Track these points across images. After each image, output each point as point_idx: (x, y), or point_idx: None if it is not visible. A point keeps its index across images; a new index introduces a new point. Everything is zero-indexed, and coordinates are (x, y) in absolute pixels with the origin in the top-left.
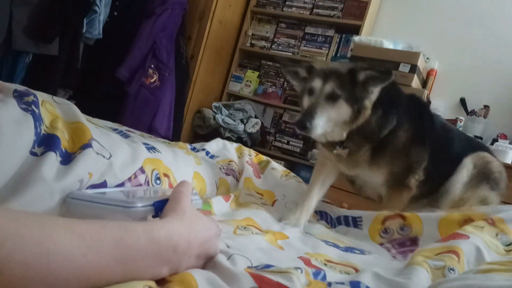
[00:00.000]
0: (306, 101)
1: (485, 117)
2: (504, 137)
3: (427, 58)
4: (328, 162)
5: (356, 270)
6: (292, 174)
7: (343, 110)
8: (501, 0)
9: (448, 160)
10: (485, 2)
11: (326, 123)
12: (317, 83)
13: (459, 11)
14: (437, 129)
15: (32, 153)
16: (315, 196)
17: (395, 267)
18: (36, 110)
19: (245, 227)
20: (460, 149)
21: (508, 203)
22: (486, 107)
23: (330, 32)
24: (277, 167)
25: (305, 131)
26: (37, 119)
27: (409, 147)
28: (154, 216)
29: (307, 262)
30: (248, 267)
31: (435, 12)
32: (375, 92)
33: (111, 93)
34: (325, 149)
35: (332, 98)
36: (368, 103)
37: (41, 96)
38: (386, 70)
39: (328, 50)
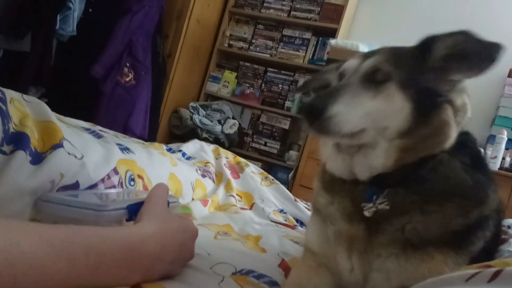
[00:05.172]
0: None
1: None
2: None
3: None
4: (326, 256)
5: None
6: (271, 177)
7: (393, 102)
8: (480, 5)
9: None
10: (461, 6)
11: (360, 119)
12: (350, 63)
13: (436, 15)
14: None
15: (1, 152)
16: None
17: None
18: (4, 107)
19: (225, 233)
20: None
21: None
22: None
23: (307, 35)
24: (256, 171)
25: (317, 123)
26: (5, 116)
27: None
28: (128, 220)
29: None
30: (233, 273)
31: (411, 16)
32: (461, 86)
33: (85, 91)
34: (333, 213)
35: (373, 80)
36: (459, 99)
37: (10, 94)
38: (491, 42)
39: (305, 53)
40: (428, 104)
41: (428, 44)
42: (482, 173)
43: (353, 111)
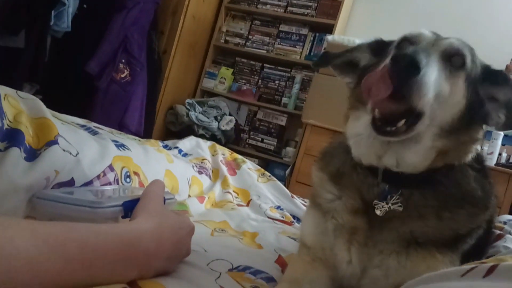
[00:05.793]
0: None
1: None
2: None
3: None
4: (324, 249)
5: None
6: (267, 174)
7: (456, 93)
8: (478, 1)
9: None
10: (459, 2)
11: (431, 93)
12: (423, 34)
13: (433, 11)
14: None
15: None
16: None
17: None
18: None
19: (222, 229)
20: None
21: None
22: None
23: (304, 31)
24: (252, 167)
25: (412, 81)
26: None
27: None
28: (123, 217)
29: (284, 264)
30: (230, 269)
31: (407, 12)
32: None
33: (80, 88)
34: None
35: (449, 62)
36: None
37: (4, 90)
38: None
39: (302, 49)
40: (476, 113)
41: (499, 78)
42: (484, 176)
43: (433, 84)
